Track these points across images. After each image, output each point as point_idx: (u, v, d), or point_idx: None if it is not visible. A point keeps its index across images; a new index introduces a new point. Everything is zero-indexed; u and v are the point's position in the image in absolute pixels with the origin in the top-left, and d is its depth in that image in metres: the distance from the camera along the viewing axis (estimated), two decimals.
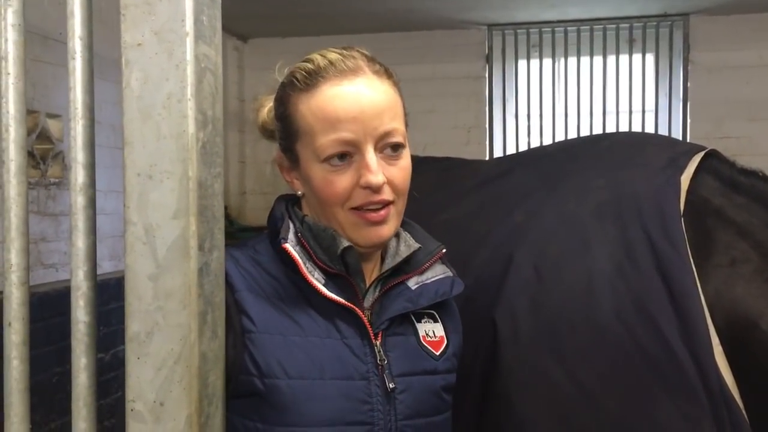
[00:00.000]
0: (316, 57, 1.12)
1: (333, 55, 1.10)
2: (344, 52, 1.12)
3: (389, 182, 1.09)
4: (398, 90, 1.14)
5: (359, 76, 1.08)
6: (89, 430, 1.00)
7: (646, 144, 1.57)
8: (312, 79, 1.09)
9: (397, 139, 1.09)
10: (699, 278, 1.25)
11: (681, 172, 1.36)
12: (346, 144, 1.06)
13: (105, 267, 4.02)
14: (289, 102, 1.12)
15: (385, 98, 1.09)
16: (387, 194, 1.08)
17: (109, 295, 2.99)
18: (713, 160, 1.42)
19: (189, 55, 0.92)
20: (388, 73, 1.13)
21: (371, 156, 1.07)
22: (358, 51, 1.13)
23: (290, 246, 1.08)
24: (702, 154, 1.41)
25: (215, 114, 0.98)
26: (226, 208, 5.78)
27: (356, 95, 1.07)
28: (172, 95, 0.92)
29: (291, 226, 1.12)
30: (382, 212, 1.09)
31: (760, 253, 1.26)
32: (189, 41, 0.92)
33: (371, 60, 1.12)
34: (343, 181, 1.07)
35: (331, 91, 1.07)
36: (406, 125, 1.16)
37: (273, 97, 1.19)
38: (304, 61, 1.13)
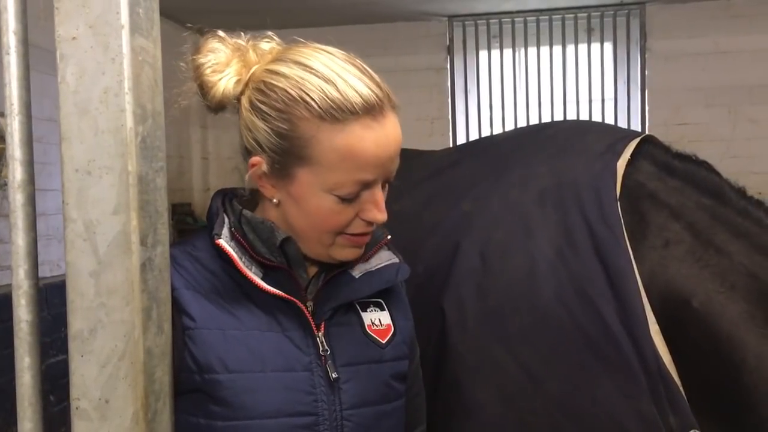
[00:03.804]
0: (340, 84, 1.02)
1: (362, 87, 1.03)
2: (369, 81, 1.04)
3: None
4: None
5: (385, 114, 1.05)
6: (35, 430, 0.99)
7: (587, 131, 1.60)
8: (340, 113, 1.02)
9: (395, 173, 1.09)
10: (635, 260, 1.28)
11: (618, 158, 1.39)
12: (364, 185, 1.05)
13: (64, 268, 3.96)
14: (301, 125, 1.03)
15: (400, 137, 1.08)
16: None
17: None
18: (649, 145, 1.45)
19: (125, 48, 0.91)
20: (395, 103, 1.09)
21: (380, 194, 1.07)
22: (376, 79, 1.06)
23: (224, 241, 1.07)
24: (638, 139, 1.45)
25: (155, 107, 0.97)
26: (189, 205, 5.73)
27: (386, 140, 1.04)
28: (109, 89, 0.91)
29: (226, 220, 1.11)
30: (368, 236, 1.11)
31: (692, 234, 1.30)
32: (125, 34, 0.91)
33: (388, 92, 1.07)
34: (348, 213, 1.06)
35: (362, 133, 1.02)
36: None
37: (238, 69, 1.09)
38: (323, 80, 1.03)
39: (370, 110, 1.03)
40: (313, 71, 1.04)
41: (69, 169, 0.92)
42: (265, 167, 1.07)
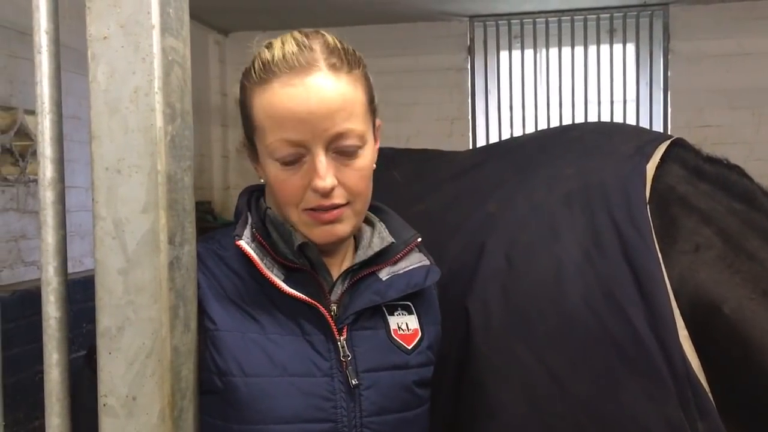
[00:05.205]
0: (275, 46, 1.06)
1: (289, 47, 1.04)
2: (304, 41, 1.05)
3: (342, 185, 1.05)
4: (362, 83, 1.08)
5: (311, 73, 1.02)
6: (62, 425, 1.00)
7: (614, 133, 1.58)
8: (265, 73, 1.04)
9: (351, 141, 1.04)
10: (664, 264, 1.26)
11: (647, 161, 1.38)
12: (293, 145, 1.03)
13: (87, 264, 4.00)
14: (245, 92, 1.09)
15: (339, 97, 1.03)
16: (339, 198, 1.05)
17: None
18: (679, 148, 1.43)
19: (155, 48, 0.92)
20: (349, 66, 1.06)
21: (320, 159, 1.03)
22: (320, 39, 1.06)
23: (245, 243, 1.06)
24: (668, 142, 1.43)
25: (184, 107, 0.98)
26: (209, 203, 5.76)
27: (305, 96, 1.02)
28: (139, 89, 0.92)
29: (249, 220, 1.10)
30: (335, 212, 1.06)
31: (723, 239, 1.28)
32: (155, 34, 0.92)
33: (331, 52, 1.05)
34: (294, 181, 1.05)
35: (280, 90, 1.03)
36: (374, 118, 1.11)
37: None
38: (265, 46, 1.08)
39: (292, 68, 1.03)
40: (268, 44, 1.08)
41: (99, 168, 0.93)
42: (247, 148, 1.13)
